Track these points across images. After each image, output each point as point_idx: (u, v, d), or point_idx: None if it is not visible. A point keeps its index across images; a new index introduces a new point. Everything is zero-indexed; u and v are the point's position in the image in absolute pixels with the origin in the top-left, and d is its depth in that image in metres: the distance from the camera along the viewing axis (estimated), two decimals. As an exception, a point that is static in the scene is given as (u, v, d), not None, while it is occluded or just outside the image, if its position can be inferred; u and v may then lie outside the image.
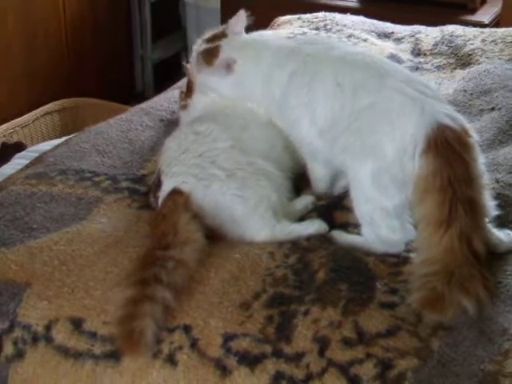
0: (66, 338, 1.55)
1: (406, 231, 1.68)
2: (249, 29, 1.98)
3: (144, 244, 1.68)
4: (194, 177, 1.73)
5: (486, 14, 3.72)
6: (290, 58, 1.86)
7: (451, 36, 2.83)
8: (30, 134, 3.59)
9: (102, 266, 1.65)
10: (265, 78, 1.88)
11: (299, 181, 1.92)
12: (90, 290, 1.60)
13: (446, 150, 1.58)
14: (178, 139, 1.86)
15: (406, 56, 2.71)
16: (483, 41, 2.77)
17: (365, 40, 2.78)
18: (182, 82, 2.58)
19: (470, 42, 2.78)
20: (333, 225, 1.79)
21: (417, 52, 2.77)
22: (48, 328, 1.56)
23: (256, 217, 1.73)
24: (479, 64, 2.61)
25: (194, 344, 1.49)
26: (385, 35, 2.91)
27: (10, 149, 3.17)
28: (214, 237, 1.71)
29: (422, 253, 1.59)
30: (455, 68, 2.65)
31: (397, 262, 1.66)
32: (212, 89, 1.99)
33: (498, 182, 1.89)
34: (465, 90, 2.43)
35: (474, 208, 1.58)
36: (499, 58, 2.64)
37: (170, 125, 2.22)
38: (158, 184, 1.79)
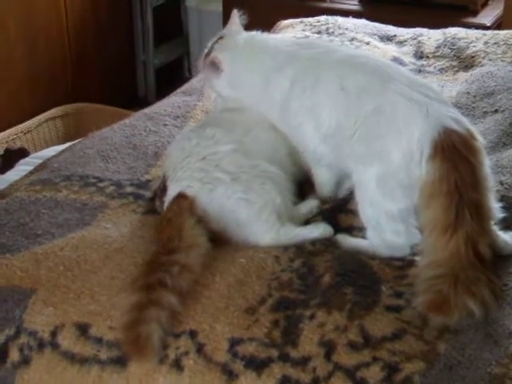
0: (71, 344, 1.55)
1: (411, 235, 1.67)
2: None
3: (149, 249, 1.68)
4: (199, 181, 1.73)
5: (487, 17, 3.72)
6: (289, 62, 1.85)
7: (453, 38, 2.83)
8: (32, 140, 3.60)
9: (108, 272, 1.65)
10: (261, 81, 1.87)
11: (304, 185, 1.92)
12: (96, 295, 1.60)
13: (453, 154, 1.58)
14: (181, 143, 1.86)
15: (408, 59, 2.71)
16: (486, 43, 2.77)
17: (367, 43, 2.78)
18: (185, 87, 2.59)
19: (473, 44, 2.78)
20: (337, 228, 1.79)
21: (419, 55, 2.77)
22: (54, 334, 1.56)
23: (261, 220, 1.73)
24: (482, 66, 2.61)
25: (200, 349, 1.49)
26: (387, 38, 2.91)
27: (14, 155, 3.17)
28: (219, 241, 1.71)
29: (428, 256, 1.58)
30: (458, 70, 2.65)
31: (402, 265, 1.65)
32: (212, 89, 2.01)
33: (502, 184, 1.89)
34: (468, 93, 2.43)
35: (479, 212, 1.57)
36: (502, 60, 2.63)
37: (175, 129, 2.22)
38: (164, 189, 1.79)
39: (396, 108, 1.66)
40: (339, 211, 1.84)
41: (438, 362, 1.42)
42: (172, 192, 1.75)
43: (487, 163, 1.65)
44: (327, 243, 1.74)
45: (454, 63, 2.69)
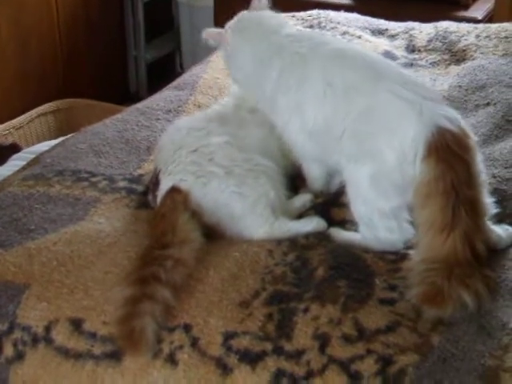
0: (65, 339, 1.54)
1: (404, 231, 1.67)
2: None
3: (143, 243, 1.68)
4: (193, 174, 1.73)
5: (478, 10, 3.73)
6: (278, 55, 1.83)
7: (445, 32, 2.83)
8: (24, 136, 3.58)
9: (101, 267, 1.65)
10: (255, 69, 1.87)
11: (297, 179, 1.92)
12: (90, 290, 1.60)
13: (447, 153, 1.57)
14: (171, 135, 1.86)
15: (400, 53, 2.71)
16: (477, 36, 2.77)
17: (359, 37, 2.78)
18: (177, 82, 2.59)
19: (464, 37, 2.78)
20: (331, 222, 1.79)
21: (411, 48, 2.77)
22: (48, 329, 1.56)
23: (255, 214, 1.73)
24: (474, 60, 2.62)
25: (194, 343, 1.49)
26: (379, 32, 2.91)
27: (6, 150, 3.15)
28: (213, 235, 1.71)
29: (423, 253, 1.58)
30: (450, 64, 2.65)
31: (395, 258, 1.65)
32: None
33: (494, 177, 1.89)
34: (460, 86, 2.43)
35: (475, 208, 1.58)
36: (493, 54, 2.64)
37: (167, 124, 2.22)
38: (156, 183, 1.79)
39: (388, 107, 1.65)
40: (332, 205, 1.84)
41: (431, 354, 1.42)
42: (165, 186, 1.75)
43: (480, 160, 1.65)
44: (321, 237, 1.74)
45: (446, 57, 2.70)
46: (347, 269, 1.61)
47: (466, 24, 2.95)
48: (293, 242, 1.71)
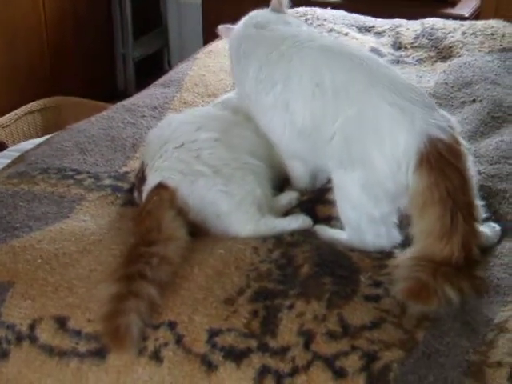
0: (50, 337, 1.54)
1: (392, 236, 1.68)
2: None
3: (128, 241, 1.67)
4: (180, 172, 1.73)
5: (465, 7, 3.74)
6: (257, 51, 1.84)
7: (432, 29, 2.84)
8: (11, 134, 3.57)
9: (86, 264, 1.65)
10: (238, 67, 1.88)
11: (284, 176, 1.92)
12: (74, 288, 1.60)
13: (440, 162, 1.57)
14: (160, 130, 1.86)
15: (386, 50, 2.71)
16: (463, 33, 2.78)
17: (345, 34, 2.78)
18: (164, 79, 2.59)
19: (451, 34, 2.79)
20: (316, 219, 1.79)
21: (398, 45, 2.78)
22: (32, 327, 1.55)
23: (241, 211, 1.72)
24: (460, 56, 2.63)
25: (179, 340, 1.49)
26: (365, 29, 2.91)
27: (-8, 148, 3.15)
28: (198, 232, 1.71)
29: (417, 254, 1.58)
30: (436, 61, 2.66)
31: (381, 256, 1.66)
32: None
33: (480, 173, 1.90)
34: (446, 83, 2.43)
35: (471, 213, 1.58)
36: (479, 51, 2.65)
37: (153, 121, 2.22)
38: (142, 178, 1.79)
39: (379, 115, 1.64)
40: (317, 202, 1.84)
41: (416, 350, 1.42)
42: (151, 181, 1.75)
43: (471, 165, 1.66)
44: (306, 234, 1.74)
45: (432, 54, 2.70)
46: (332, 266, 1.61)
47: (453, 21, 2.96)
48: (278, 240, 1.71)
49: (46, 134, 3.25)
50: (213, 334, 1.49)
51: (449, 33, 2.80)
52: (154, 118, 2.24)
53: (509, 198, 1.83)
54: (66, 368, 1.52)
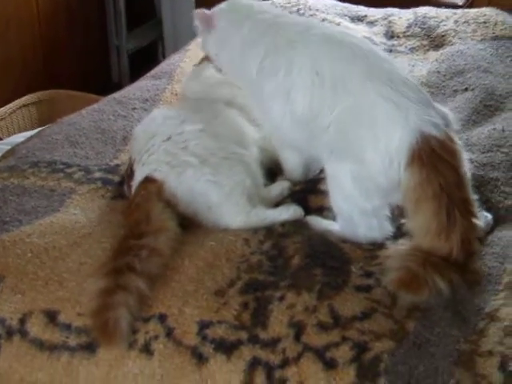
0: (40, 331, 1.54)
1: (384, 229, 1.68)
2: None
3: (118, 234, 1.67)
4: (167, 164, 1.72)
5: (459, -4, 3.72)
6: (263, 36, 1.82)
7: (424, 18, 2.83)
8: (6, 127, 3.56)
9: (76, 258, 1.64)
10: (239, 51, 1.86)
11: (275, 167, 1.91)
12: (64, 281, 1.59)
13: (432, 159, 1.56)
14: (145, 125, 1.85)
15: (379, 39, 2.71)
16: (456, 22, 2.77)
17: (338, 24, 2.77)
18: (155, 71, 2.58)
19: (443, 23, 2.78)
20: (308, 209, 1.79)
21: (390, 35, 2.77)
22: (22, 321, 1.55)
23: (231, 203, 1.72)
24: (452, 45, 2.62)
25: (169, 333, 1.49)
26: (358, 19, 2.90)
27: (-14, 143, 3.13)
28: (189, 224, 1.70)
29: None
30: (428, 50, 2.65)
31: (372, 247, 1.66)
32: (203, 48, 2.00)
33: (472, 162, 1.89)
34: (438, 72, 2.43)
35: (468, 208, 1.58)
36: (472, 39, 2.64)
37: (144, 113, 2.21)
38: (131, 173, 1.78)
39: (374, 110, 1.63)
40: (309, 192, 1.84)
41: (406, 340, 1.42)
42: (139, 176, 1.74)
43: (465, 162, 1.65)
44: (297, 225, 1.73)
45: (425, 42, 2.70)
46: (323, 257, 1.61)
47: (445, 9, 2.95)
48: (269, 231, 1.70)
49: (41, 126, 3.24)
50: (203, 326, 1.48)
51: (441, 21, 2.79)
52: (145, 110, 2.23)
53: (500, 186, 1.83)
54: (57, 362, 1.52)
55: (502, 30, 2.68)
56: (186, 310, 1.51)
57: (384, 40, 2.72)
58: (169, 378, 1.45)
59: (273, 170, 1.91)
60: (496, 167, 1.90)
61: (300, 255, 1.61)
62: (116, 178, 1.93)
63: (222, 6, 1.94)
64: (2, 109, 3.55)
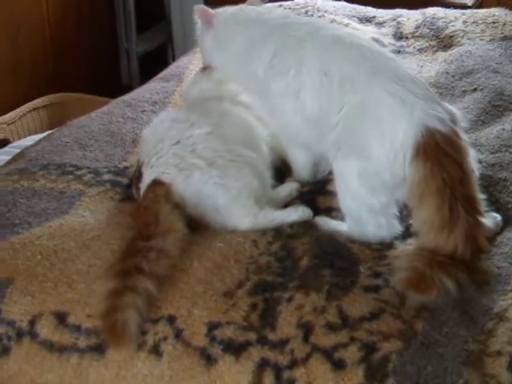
0: (50, 333, 1.54)
1: (392, 227, 1.68)
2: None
3: (127, 236, 1.67)
4: (175, 167, 1.72)
5: (468, -4, 3.71)
6: (271, 36, 1.83)
7: (433, 18, 2.83)
8: (16, 131, 3.57)
9: (85, 260, 1.65)
10: (244, 51, 1.87)
11: (284, 168, 1.92)
12: (74, 283, 1.60)
13: (437, 153, 1.56)
14: (153, 128, 1.86)
15: (387, 40, 2.70)
16: (464, 22, 2.77)
17: (346, 25, 2.76)
18: (164, 73, 2.59)
19: (452, 23, 2.77)
20: (317, 210, 1.79)
21: (399, 36, 2.76)
22: (32, 323, 1.56)
23: (239, 205, 1.72)
24: (461, 45, 2.62)
25: (178, 334, 1.49)
26: (366, 20, 2.90)
27: (-3, 146, 3.15)
28: (197, 226, 1.71)
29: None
30: (437, 50, 2.65)
31: (381, 247, 1.66)
32: (201, 47, 2.02)
33: (480, 162, 1.88)
34: (447, 72, 2.43)
35: (473, 205, 1.58)
36: (481, 39, 2.64)
37: (153, 116, 2.22)
38: (139, 176, 1.79)
39: (380, 105, 1.64)
40: (318, 193, 1.84)
41: (415, 340, 1.42)
42: (147, 179, 1.74)
43: (472, 160, 1.65)
44: (306, 226, 1.73)
45: (433, 43, 2.69)
46: (332, 257, 1.61)
47: (454, 10, 2.94)
48: (278, 232, 1.70)
49: (51, 130, 3.25)
50: (212, 327, 1.49)
51: (450, 22, 2.79)
52: (154, 112, 2.23)
53: (509, 186, 1.83)
54: (67, 363, 1.52)
55: (511, 30, 2.67)
56: (195, 311, 1.51)
57: (392, 41, 2.71)
58: (178, 379, 1.46)
59: (281, 171, 1.91)
60: (505, 167, 1.89)
61: (308, 256, 1.61)
62: (125, 181, 1.94)
63: (225, 8, 1.95)
64: (13, 112, 3.57)
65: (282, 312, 1.49)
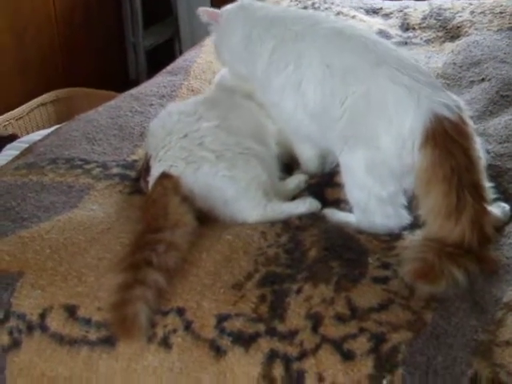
0: (60, 326, 1.55)
1: (401, 217, 1.67)
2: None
3: (136, 229, 1.68)
4: (183, 160, 1.73)
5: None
6: (270, 31, 1.83)
7: (440, 9, 2.82)
8: (24, 126, 3.58)
9: (95, 253, 1.65)
10: (247, 47, 1.87)
11: (292, 160, 1.92)
12: (83, 276, 1.60)
13: (445, 140, 1.56)
14: (162, 121, 1.86)
15: (394, 31, 2.70)
16: (472, 12, 2.76)
17: (353, 17, 2.77)
18: (171, 67, 2.59)
19: (459, 14, 2.77)
20: (325, 202, 1.79)
21: (405, 27, 2.76)
22: (42, 316, 1.56)
23: (247, 197, 1.72)
24: (468, 36, 2.61)
25: (187, 326, 1.49)
26: (373, 11, 2.90)
27: (4, 141, 3.15)
28: (206, 219, 1.71)
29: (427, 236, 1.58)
30: (444, 41, 2.65)
31: (389, 238, 1.66)
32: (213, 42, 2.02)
33: (488, 152, 1.88)
34: (454, 63, 2.42)
35: (479, 192, 1.57)
36: (488, 29, 2.63)
37: (160, 109, 2.22)
38: (147, 169, 1.79)
39: (386, 94, 1.64)
40: (326, 185, 1.84)
41: (424, 331, 1.42)
42: (155, 172, 1.75)
43: (479, 147, 1.64)
44: (314, 217, 1.74)
45: (441, 34, 2.69)
46: (340, 249, 1.61)
47: (461, 0, 2.94)
48: (286, 224, 1.71)
49: (59, 125, 3.26)
50: (221, 319, 1.49)
51: (457, 12, 2.78)
52: (162, 106, 2.23)
53: (518, 176, 1.82)
54: (77, 356, 1.53)
55: (518, 20, 2.67)
56: (204, 303, 1.52)
57: (399, 32, 2.71)
58: (187, 371, 1.46)
59: (289, 164, 1.91)
60: (513, 157, 1.89)
61: (317, 248, 1.62)
62: (133, 174, 1.94)
63: (230, 5, 1.96)
64: (21, 108, 3.58)
65: (291, 303, 1.49)
